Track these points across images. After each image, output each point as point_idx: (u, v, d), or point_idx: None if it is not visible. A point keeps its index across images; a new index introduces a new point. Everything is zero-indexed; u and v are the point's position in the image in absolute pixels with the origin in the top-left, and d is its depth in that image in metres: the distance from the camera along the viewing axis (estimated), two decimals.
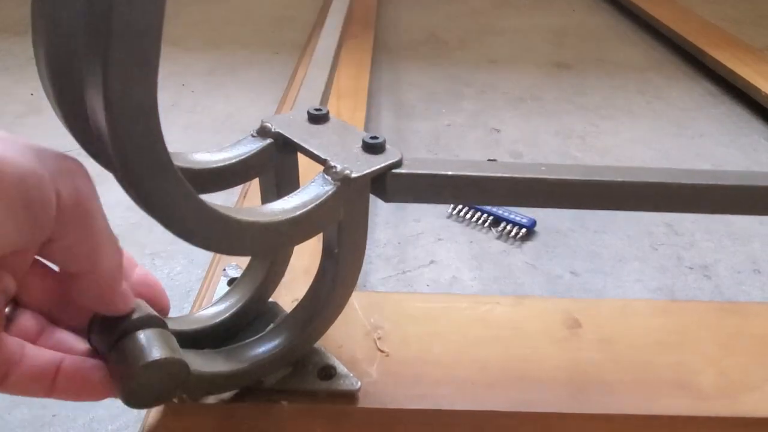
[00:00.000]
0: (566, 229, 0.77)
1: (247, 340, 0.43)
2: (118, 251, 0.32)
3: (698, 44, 1.29)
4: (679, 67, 1.32)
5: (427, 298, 0.55)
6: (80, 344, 0.35)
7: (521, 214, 0.75)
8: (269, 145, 0.43)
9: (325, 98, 0.58)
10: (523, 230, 0.75)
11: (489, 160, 0.88)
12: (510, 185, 0.42)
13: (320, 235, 0.41)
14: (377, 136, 0.42)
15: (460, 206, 0.78)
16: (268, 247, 0.40)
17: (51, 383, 0.32)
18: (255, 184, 0.48)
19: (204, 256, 0.66)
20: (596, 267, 0.71)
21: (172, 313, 0.42)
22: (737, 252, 0.74)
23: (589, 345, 0.50)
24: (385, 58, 1.30)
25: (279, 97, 1.04)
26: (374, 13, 1.38)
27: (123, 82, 0.22)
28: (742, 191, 0.42)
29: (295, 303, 0.44)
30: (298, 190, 0.39)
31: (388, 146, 0.41)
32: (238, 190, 0.70)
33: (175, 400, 0.43)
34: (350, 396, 0.44)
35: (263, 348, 0.42)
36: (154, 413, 0.43)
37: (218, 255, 0.57)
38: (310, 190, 0.39)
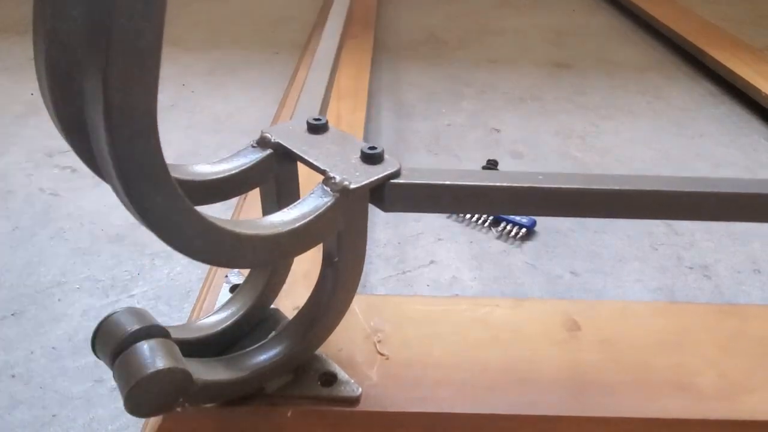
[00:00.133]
0: (566, 229, 0.77)
1: (248, 348, 0.43)
2: None
3: (698, 44, 1.29)
4: (679, 67, 1.32)
5: (427, 300, 0.55)
6: None
7: None
8: (269, 155, 0.43)
9: (324, 105, 0.58)
10: (523, 230, 0.75)
11: (489, 160, 0.88)
12: (507, 194, 0.42)
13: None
14: (375, 146, 0.42)
15: None
16: (268, 259, 0.40)
17: None
18: (252, 193, 0.48)
19: None
20: (596, 267, 0.71)
21: (172, 314, 0.42)
22: (737, 252, 0.74)
23: (588, 347, 0.50)
24: (385, 58, 1.30)
25: (279, 97, 1.04)
26: (374, 13, 1.38)
27: (123, 95, 0.22)
28: (737, 199, 0.42)
29: (296, 310, 0.44)
30: (297, 202, 0.39)
31: (386, 156, 0.42)
32: (235, 199, 0.70)
33: (179, 409, 0.43)
34: (355, 401, 0.44)
35: (265, 356, 0.42)
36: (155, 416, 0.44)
37: None
38: (310, 201, 0.39)
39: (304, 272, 0.54)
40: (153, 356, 0.35)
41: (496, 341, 0.50)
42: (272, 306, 0.48)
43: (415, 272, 0.69)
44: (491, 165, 0.87)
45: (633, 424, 0.44)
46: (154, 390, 0.35)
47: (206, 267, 0.60)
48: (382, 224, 0.76)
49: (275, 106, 1.02)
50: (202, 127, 1.00)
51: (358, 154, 0.41)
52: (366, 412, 0.44)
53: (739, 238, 0.77)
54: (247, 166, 0.42)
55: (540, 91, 1.17)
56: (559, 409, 0.44)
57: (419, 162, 0.90)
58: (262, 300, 0.47)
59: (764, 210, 0.43)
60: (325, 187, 0.40)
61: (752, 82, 1.10)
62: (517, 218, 0.75)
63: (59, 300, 0.63)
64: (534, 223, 0.76)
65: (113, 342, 0.36)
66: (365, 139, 0.87)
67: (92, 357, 0.38)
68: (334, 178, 0.39)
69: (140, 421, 0.47)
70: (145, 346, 0.35)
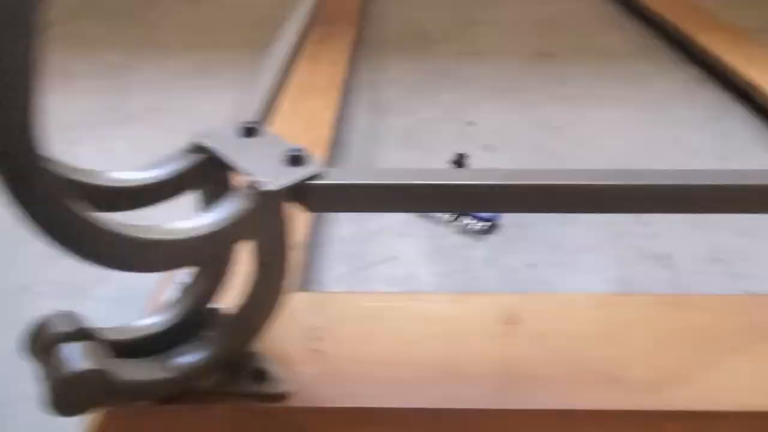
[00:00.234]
0: (530, 222, 0.77)
1: (177, 348, 0.44)
2: None
3: (684, 29, 1.28)
4: (664, 53, 1.30)
5: (369, 297, 0.56)
6: None
7: None
8: (201, 160, 0.44)
9: (271, 105, 0.59)
10: (487, 224, 0.75)
11: (457, 154, 0.88)
12: (433, 191, 0.43)
13: None
14: (299, 148, 0.43)
15: None
16: (179, 263, 0.41)
17: None
18: None
19: None
20: (556, 259, 0.71)
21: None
22: (700, 242, 0.74)
23: (524, 340, 0.50)
24: (367, 52, 1.30)
25: None
26: (356, 6, 1.38)
27: None
28: (702, 191, 0.43)
29: None
30: (216, 206, 0.40)
31: (309, 157, 0.43)
32: None
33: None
34: (283, 397, 0.45)
35: (192, 356, 0.44)
36: (94, 415, 0.45)
37: None
38: (227, 205, 0.40)
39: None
40: (71, 358, 0.37)
41: (432, 337, 0.51)
42: (216, 305, 0.49)
43: (373, 269, 0.70)
44: (459, 159, 0.88)
45: (557, 416, 0.45)
46: (76, 391, 0.37)
47: None
48: (344, 219, 0.77)
49: None
50: (187, 129, 1.01)
51: (284, 156, 0.42)
52: (296, 408, 0.45)
53: (704, 227, 0.76)
54: (178, 171, 0.44)
55: (520, 82, 1.17)
56: (485, 403, 0.45)
57: (386, 158, 0.91)
58: (199, 299, 0.48)
59: (731, 201, 0.44)
60: (245, 191, 0.41)
61: (735, 67, 1.09)
62: (482, 213, 0.76)
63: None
64: (498, 217, 0.76)
65: (40, 344, 0.38)
66: (334, 137, 0.87)
67: None
68: (253, 181, 0.41)
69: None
70: (64, 349, 0.37)
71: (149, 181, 0.43)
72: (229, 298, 0.51)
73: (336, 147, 0.88)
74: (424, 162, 0.91)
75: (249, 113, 0.54)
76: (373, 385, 0.46)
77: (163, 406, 0.45)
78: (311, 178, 0.42)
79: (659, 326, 0.52)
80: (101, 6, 1.54)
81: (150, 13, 1.49)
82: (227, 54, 1.31)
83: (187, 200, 0.45)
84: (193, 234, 0.38)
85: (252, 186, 0.40)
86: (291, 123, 0.83)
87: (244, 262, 0.43)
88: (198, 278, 0.48)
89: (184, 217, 0.40)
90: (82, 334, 0.38)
